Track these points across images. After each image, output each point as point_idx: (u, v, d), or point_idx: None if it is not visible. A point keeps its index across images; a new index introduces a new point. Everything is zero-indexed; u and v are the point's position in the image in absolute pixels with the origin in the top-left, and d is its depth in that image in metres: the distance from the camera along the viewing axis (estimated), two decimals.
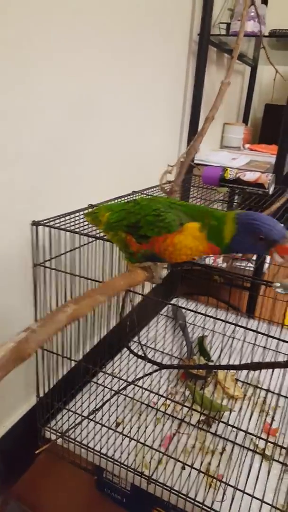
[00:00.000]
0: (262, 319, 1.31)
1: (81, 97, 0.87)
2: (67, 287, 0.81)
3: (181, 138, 1.46)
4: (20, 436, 0.89)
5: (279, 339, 0.80)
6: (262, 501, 0.72)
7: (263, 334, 0.82)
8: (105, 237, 0.66)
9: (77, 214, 0.83)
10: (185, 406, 0.89)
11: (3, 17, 0.62)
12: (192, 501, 0.73)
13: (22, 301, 0.79)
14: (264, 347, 1.13)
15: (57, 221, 0.77)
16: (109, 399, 0.91)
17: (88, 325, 0.97)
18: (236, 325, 0.78)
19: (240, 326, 0.76)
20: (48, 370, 0.87)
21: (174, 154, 1.43)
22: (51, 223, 0.75)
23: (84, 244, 0.84)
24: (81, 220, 0.79)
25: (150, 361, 0.91)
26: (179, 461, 0.79)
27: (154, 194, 1.08)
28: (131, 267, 0.52)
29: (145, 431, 0.85)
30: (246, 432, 0.83)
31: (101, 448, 0.82)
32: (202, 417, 0.89)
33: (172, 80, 1.35)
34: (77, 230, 0.74)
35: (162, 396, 0.89)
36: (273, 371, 1.06)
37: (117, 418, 0.90)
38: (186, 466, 0.79)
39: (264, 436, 0.87)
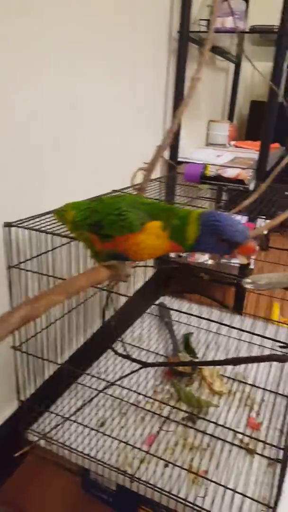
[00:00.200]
0: (249, 315, 1.32)
1: (58, 96, 0.87)
2: (44, 289, 0.80)
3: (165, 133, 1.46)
4: (3, 441, 0.88)
5: (263, 336, 0.81)
6: (244, 495, 0.72)
7: (244, 331, 0.83)
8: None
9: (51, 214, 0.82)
10: (168, 405, 0.89)
11: None
12: (175, 498, 0.73)
13: None
14: (249, 342, 1.13)
15: (32, 221, 0.77)
16: (89, 400, 0.91)
17: (71, 327, 0.97)
18: (218, 322, 0.78)
19: (222, 324, 0.76)
20: (29, 374, 0.87)
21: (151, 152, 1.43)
22: (25, 224, 0.74)
23: (62, 245, 0.84)
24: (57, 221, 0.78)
25: (132, 360, 0.91)
26: (162, 459, 0.79)
27: (135, 193, 1.08)
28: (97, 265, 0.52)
29: (127, 430, 0.85)
30: (228, 428, 0.83)
31: (84, 449, 0.82)
32: (186, 414, 0.89)
33: (153, 78, 1.35)
34: (53, 231, 0.74)
35: (145, 396, 0.89)
36: (258, 366, 1.06)
37: (101, 418, 0.89)
38: (169, 464, 0.79)
39: (249, 430, 0.88)
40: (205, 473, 0.78)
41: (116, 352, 0.95)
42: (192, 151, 1.63)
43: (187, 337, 1.14)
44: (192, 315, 0.82)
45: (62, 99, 0.89)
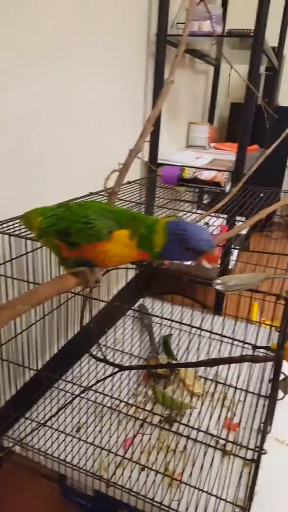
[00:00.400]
0: (230, 316, 1.32)
1: (35, 98, 0.86)
2: (17, 295, 0.80)
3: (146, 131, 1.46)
4: None
5: (233, 338, 0.81)
6: (219, 498, 0.72)
7: (213, 332, 0.83)
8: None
9: None
10: (145, 410, 0.88)
11: None
12: (151, 502, 0.73)
13: None
14: (230, 343, 1.14)
15: (5, 225, 0.76)
16: (65, 405, 0.90)
17: (49, 332, 0.96)
18: (188, 325, 0.79)
19: (191, 326, 0.76)
20: (5, 380, 0.86)
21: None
22: None
23: (37, 248, 0.83)
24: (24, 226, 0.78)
25: (109, 363, 0.91)
26: (137, 463, 0.79)
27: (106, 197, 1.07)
28: (66, 272, 0.51)
29: (104, 434, 0.84)
30: (204, 432, 0.83)
31: (60, 454, 0.81)
32: (163, 417, 0.89)
33: (132, 81, 1.35)
34: (24, 235, 0.73)
35: (121, 401, 0.89)
36: (236, 366, 1.07)
37: (78, 422, 0.89)
38: (145, 467, 0.79)
39: (225, 431, 0.88)
40: (181, 476, 0.78)
41: (93, 356, 0.95)
42: (172, 153, 1.64)
43: (166, 339, 1.14)
44: (166, 319, 0.82)
45: (41, 101, 0.89)
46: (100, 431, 0.85)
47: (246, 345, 1.13)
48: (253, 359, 0.69)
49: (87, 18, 1.02)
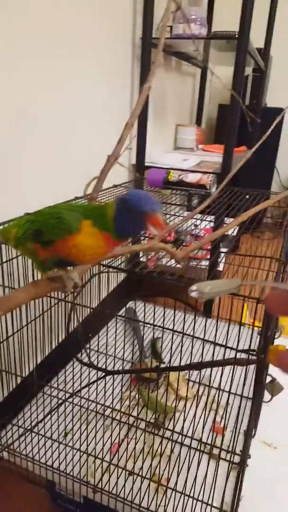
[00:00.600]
0: (218, 317, 1.32)
1: (21, 101, 0.86)
2: None
3: (129, 142, 1.47)
4: None
5: (215, 343, 0.81)
6: (206, 503, 0.72)
7: (197, 337, 0.83)
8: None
9: (11, 224, 0.81)
10: (131, 416, 0.88)
11: None
12: (137, 507, 0.72)
13: None
14: (221, 345, 1.14)
15: None
16: (51, 411, 0.90)
17: (36, 337, 0.95)
18: (174, 331, 0.78)
19: (176, 332, 0.76)
20: None
21: (120, 159, 1.44)
22: None
23: (13, 258, 0.82)
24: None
25: (96, 368, 0.91)
26: (124, 469, 0.78)
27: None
28: (44, 276, 0.51)
29: (91, 439, 0.84)
30: (190, 437, 0.83)
31: (47, 460, 0.81)
32: (151, 420, 0.89)
33: (118, 84, 1.35)
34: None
35: (107, 406, 0.88)
36: (223, 369, 1.07)
37: (65, 428, 0.88)
38: (132, 472, 0.78)
39: (212, 435, 0.88)
40: (168, 481, 0.77)
41: (79, 361, 0.95)
42: (160, 155, 1.64)
43: (154, 342, 1.14)
44: (148, 323, 0.82)
45: (28, 105, 0.88)
46: (87, 436, 0.84)
47: (234, 347, 1.13)
48: (236, 362, 0.69)
49: (72, 22, 1.02)
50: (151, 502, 0.74)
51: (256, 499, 0.78)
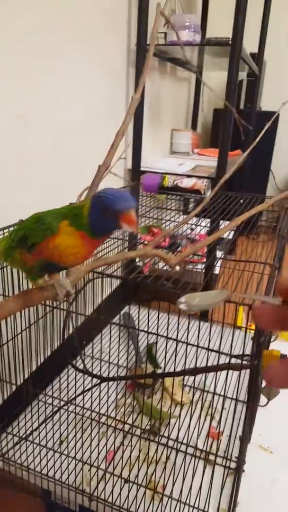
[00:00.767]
0: (214, 321, 1.32)
1: (16, 109, 0.86)
2: None
3: (125, 147, 1.47)
4: None
5: (209, 349, 0.81)
6: (202, 510, 0.72)
7: (190, 344, 0.83)
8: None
9: (6, 231, 0.81)
10: (126, 423, 0.88)
11: None
12: None
13: None
14: (209, 351, 1.13)
15: None
16: (45, 419, 0.89)
17: (31, 344, 0.95)
18: (169, 338, 0.78)
19: (171, 339, 0.76)
20: None
21: (117, 166, 1.44)
22: None
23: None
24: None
25: (91, 375, 0.90)
26: (120, 476, 0.78)
27: None
28: (34, 285, 0.51)
29: (87, 447, 0.84)
30: (186, 444, 0.83)
31: (42, 469, 0.80)
32: (147, 427, 0.89)
33: (113, 90, 1.35)
34: None
35: (102, 414, 0.88)
36: (220, 373, 1.07)
37: (60, 436, 0.88)
38: (128, 480, 0.78)
39: (209, 440, 0.88)
40: (164, 488, 0.77)
41: (75, 368, 0.94)
42: (155, 160, 1.64)
43: (150, 348, 1.14)
44: (142, 330, 0.82)
45: (23, 110, 0.89)
46: (82, 444, 0.84)
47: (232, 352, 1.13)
48: (230, 367, 0.69)
49: (67, 28, 1.02)
50: (147, 510, 0.73)
51: (253, 504, 0.78)
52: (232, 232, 1.38)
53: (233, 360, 0.73)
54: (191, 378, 1.05)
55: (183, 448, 0.84)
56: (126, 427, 0.89)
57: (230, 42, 1.33)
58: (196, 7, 2.06)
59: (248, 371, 1.09)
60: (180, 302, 0.43)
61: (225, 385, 0.97)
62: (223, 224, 1.14)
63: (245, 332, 0.70)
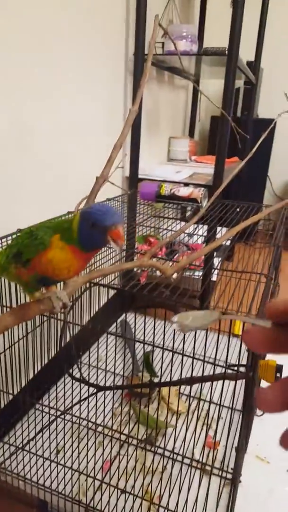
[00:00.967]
0: (211, 329, 1.32)
1: (13, 118, 0.87)
2: None
3: (123, 157, 1.48)
4: None
5: (204, 360, 0.81)
6: None
7: (186, 355, 0.83)
8: None
9: (4, 241, 0.81)
10: (123, 434, 0.88)
11: None
12: None
13: None
14: (204, 361, 1.13)
15: None
16: (41, 429, 0.89)
17: (27, 354, 0.95)
18: (165, 349, 0.78)
19: (167, 350, 0.76)
20: None
21: (115, 174, 1.45)
22: None
23: None
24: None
25: (88, 384, 0.90)
26: (116, 487, 0.78)
27: None
28: (31, 298, 0.51)
29: (83, 457, 0.83)
30: (182, 455, 0.82)
31: (38, 479, 0.80)
32: (143, 437, 0.89)
33: (111, 99, 1.36)
34: None
35: (98, 424, 0.88)
36: (216, 382, 1.07)
37: (57, 445, 0.88)
38: (125, 490, 0.78)
39: (206, 450, 0.88)
40: (160, 499, 0.77)
41: (71, 377, 0.94)
42: (153, 168, 1.65)
43: (147, 356, 1.14)
44: (138, 341, 0.82)
45: (21, 121, 0.89)
46: (79, 454, 0.84)
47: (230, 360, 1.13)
48: (226, 377, 0.69)
49: (65, 37, 1.03)
50: None
51: None
52: (229, 240, 1.39)
53: (229, 370, 0.73)
54: (187, 387, 1.05)
55: (179, 458, 0.84)
56: (123, 437, 0.89)
57: (226, 52, 1.34)
58: (193, 16, 2.08)
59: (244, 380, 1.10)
60: (173, 322, 0.43)
61: (222, 394, 0.97)
62: (220, 231, 1.14)
63: (241, 341, 0.70)
